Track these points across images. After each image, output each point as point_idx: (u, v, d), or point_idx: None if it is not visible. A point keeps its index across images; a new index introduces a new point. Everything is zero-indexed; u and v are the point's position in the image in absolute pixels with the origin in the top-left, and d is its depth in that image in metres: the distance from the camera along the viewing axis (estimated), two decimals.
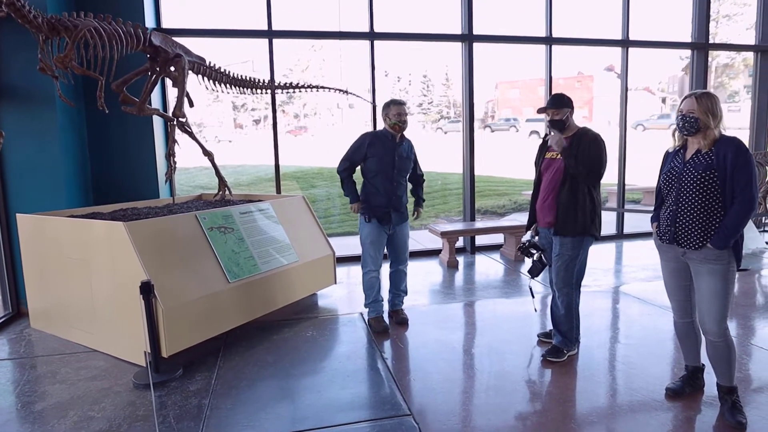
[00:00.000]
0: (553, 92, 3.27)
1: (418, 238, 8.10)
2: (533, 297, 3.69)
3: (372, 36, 6.02)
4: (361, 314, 4.22)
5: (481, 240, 6.65)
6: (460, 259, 6.09)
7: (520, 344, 3.55)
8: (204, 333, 3.34)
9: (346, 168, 3.83)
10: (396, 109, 3.73)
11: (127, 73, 4.26)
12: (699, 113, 2.37)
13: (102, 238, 3.26)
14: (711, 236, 2.41)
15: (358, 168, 3.89)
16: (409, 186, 4.05)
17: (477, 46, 6.35)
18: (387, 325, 3.88)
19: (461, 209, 6.94)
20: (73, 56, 3.60)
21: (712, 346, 2.51)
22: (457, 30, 6.31)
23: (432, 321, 4.07)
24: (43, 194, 4.32)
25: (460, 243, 6.43)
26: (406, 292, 4.15)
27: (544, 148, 3.31)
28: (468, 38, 6.27)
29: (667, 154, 2.65)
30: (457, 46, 6.42)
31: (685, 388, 2.76)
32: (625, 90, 7.03)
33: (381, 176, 3.73)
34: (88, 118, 4.88)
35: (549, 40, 6.59)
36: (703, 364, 2.81)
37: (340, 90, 5.86)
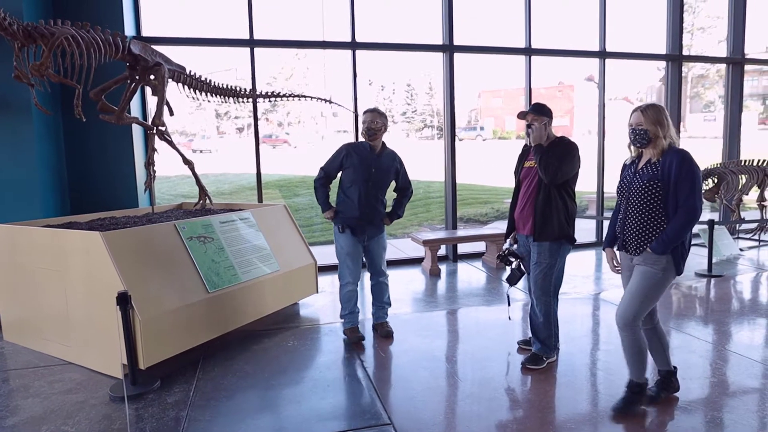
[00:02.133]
0: (534, 101, 3.33)
1: (401, 246, 8.12)
2: (509, 305, 3.74)
3: (354, 45, 6.05)
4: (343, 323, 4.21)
5: (463, 248, 6.69)
6: (443, 267, 6.12)
7: (501, 352, 3.57)
8: (183, 344, 3.29)
9: (320, 178, 3.79)
10: (366, 117, 3.65)
11: (106, 82, 4.22)
12: (647, 125, 2.48)
13: (78, 248, 3.20)
14: (651, 242, 2.51)
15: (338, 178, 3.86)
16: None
17: (458, 57, 6.44)
18: (362, 336, 3.82)
19: (444, 217, 6.98)
20: (49, 64, 3.55)
21: (620, 338, 2.65)
22: (439, 41, 6.39)
23: (414, 329, 4.08)
24: (18, 204, 4.24)
25: (442, 251, 6.46)
26: (389, 304, 4.04)
27: (523, 157, 3.36)
28: (449, 48, 6.35)
29: (624, 166, 2.74)
30: (439, 56, 6.50)
31: (660, 393, 2.80)
32: (602, 100, 7.17)
33: (355, 187, 3.64)
34: (65, 127, 4.81)
35: (528, 51, 6.70)
36: (675, 367, 2.86)
37: (322, 99, 5.88)
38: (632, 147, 2.64)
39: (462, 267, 6.23)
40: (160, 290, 3.21)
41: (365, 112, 3.67)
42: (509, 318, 4.16)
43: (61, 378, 3.24)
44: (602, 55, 6.99)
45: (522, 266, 3.27)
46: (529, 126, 3.15)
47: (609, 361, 3.36)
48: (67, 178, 4.86)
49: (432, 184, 15.23)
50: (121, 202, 4.97)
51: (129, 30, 5.08)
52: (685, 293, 4.98)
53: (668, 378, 2.84)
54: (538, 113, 3.12)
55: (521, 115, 3.24)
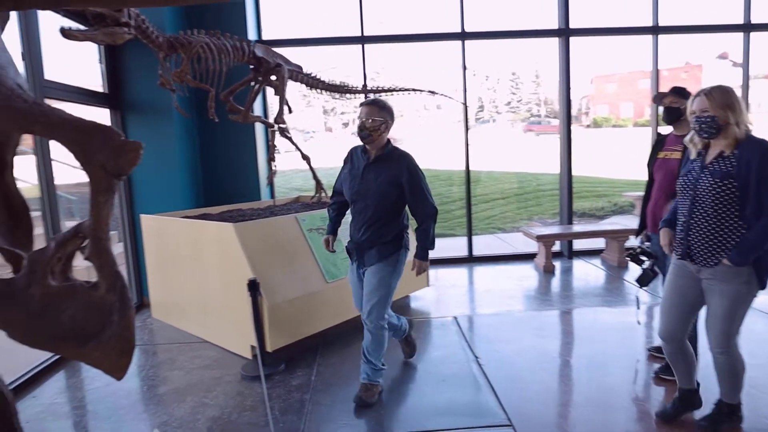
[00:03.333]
0: (660, 84, 3.02)
1: (510, 241, 7.88)
2: (638, 308, 3.44)
3: (463, 36, 5.94)
4: (455, 318, 4.18)
5: (579, 244, 6.31)
6: (557, 264, 5.83)
7: (626, 358, 3.32)
8: (304, 330, 3.48)
9: (332, 196, 3.06)
10: (360, 112, 2.73)
11: (233, 84, 4.56)
12: (714, 110, 2.11)
13: (213, 237, 3.51)
14: (727, 252, 2.14)
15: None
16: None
17: (573, 41, 6.06)
18: (378, 389, 2.89)
19: (556, 211, 6.64)
20: (188, 71, 3.91)
21: (714, 359, 2.34)
22: (553, 25, 6.05)
23: (528, 328, 3.93)
24: (162, 197, 4.74)
25: (556, 247, 6.16)
26: (379, 360, 2.88)
27: (657, 147, 3.07)
28: (564, 33, 5.99)
29: (687, 160, 2.36)
30: (552, 42, 6.16)
31: (679, 412, 2.53)
32: (746, 79, 6.34)
33: (353, 204, 2.83)
34: (199, 127, 5.29)
35: (655, 30, 6.11)
36: (698, 383, 2.57)
37: (430, 91, 5.86)
38: (695, 140, 2.26)
39: (578, 264, 5.89)
40: (284, 279, 3.41)
41: (361, 105, 2.78)
42: (638, 322, 3.85)
43: (200, 354, 3.58)
44: (747, 28, 6.16)
45: (656, 267, 3.00)
46: (669, 109, 2.88)
47: (757, 376, 2.98)
48: (201, 173, 5.34)
49: (541, 176, 14.60)
50: (245, 195, 5.36)
51: (251, 34, 5.44)
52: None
53: (690, 396, 2.56)
54: (679, 96, 2.84)
55: (657, 99, 2.96)
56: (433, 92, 5.87)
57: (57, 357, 3.48)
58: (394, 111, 2.76)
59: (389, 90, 5.58)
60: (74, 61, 4.74)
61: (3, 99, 1.11)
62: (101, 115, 4.61)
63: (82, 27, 3.29)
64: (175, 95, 4.10)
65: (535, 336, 3.76)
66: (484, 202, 12.02)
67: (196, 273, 3.71)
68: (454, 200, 12.68)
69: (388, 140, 2.78)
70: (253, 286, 3.06)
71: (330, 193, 3.43)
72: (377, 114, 2.67)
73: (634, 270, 5.36)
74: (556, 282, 5.28)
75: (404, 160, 2.74)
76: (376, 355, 2.86)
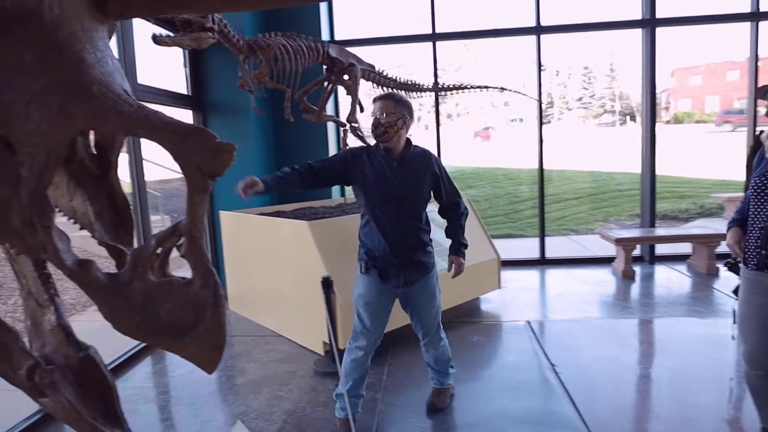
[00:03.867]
0: (758, 77, 2.71)
1: (584, 243, 7.54)
2: (734, 321, 3.14)
3: (539, 30, 5.73)
4: (528, 323, 4.04)
5: (661, 249, 5.92)
6: (637, 269, 5.49)
7: (719, 374, 3.06)
8: None
9: (309, 163, 2.51)
10: (375, 107, 2.45)
11: (307, 84, 4.65)
12: None
13: (289, 235, 3.60)
14: None
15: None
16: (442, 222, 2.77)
17: (659, 31, 5.67)
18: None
19: (633, 213, 6.28)
20: (266, 72, 4.03)
21: (749, 382, 2.08)
22: (635, 15, 5.70)
23: (606, 337, 3.73)
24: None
25: (636, 251, 5.81)
26: (452, 367, 2.87)
27: (758, 146, 2.79)
28: (650, 23, 5.63)
29: (761, 158, 2.07)
30: (634, 33, 5.81)
31: None
32: None
33: (376, 211, 2.45)
34: (274, 127, 5.45)
35: (756, 16, 5.59)
36: None
37: (501, 88, 5.71)
38: None
39: (660, 270, 5.52)
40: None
41: (375, 100, 2.49)
42: (732, 337, 3.53)
43: (274, 348, 3.69)
44: None
45: None
46: None
47: None
48: (275, 171, 5.51)
49: (615, 175, 13.88)
50: (317, 192, 5.46)
51: (325, 35, 5.53)
52: None
53: None
54: None
55: (762, 93, 2.69)
56: (504, 89, 5.71)
57: (144, 344, 3.72)
58: (412, 106, 2.51)
59: (460, 87, 5.48)
60: (162, 66, 5.04)
61: (111, 104, 1.16)
62: (185, 116, 4.87)
63: (171, 33, 3.48)
64: (253, 96, 4.24)
65: (614, 345, 3.56)
66: (556, 202, 11.59)
67: (271, 268, 3.83)
68: (523, 200, 12.33)
69: (409, 140, 2.54)
70: (327, 284, 3.10)
71: None
72: (393, 108, 2.40)
73: (728, 279, 4.94)
74: (636, 288, 4.98)
75: (430, 155, 2.56)
76: (445, 366, 2.79)
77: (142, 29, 3.89)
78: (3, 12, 1.08)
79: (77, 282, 1.17)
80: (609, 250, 5.93)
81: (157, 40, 3.34)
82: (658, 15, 5.60)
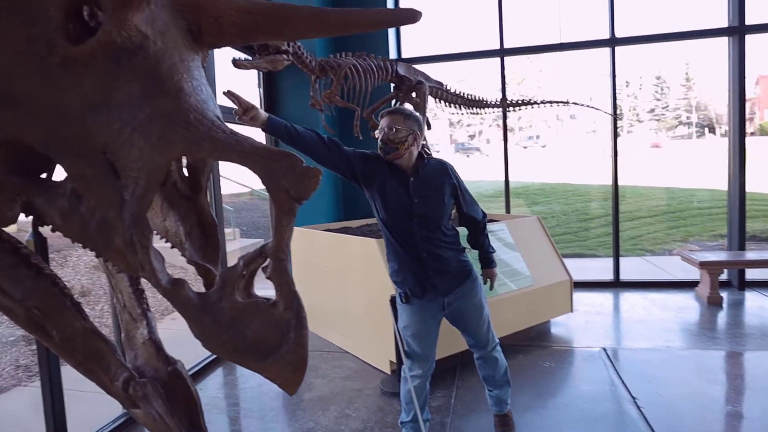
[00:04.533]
0: None
1: (661, 264, 7.08)
2: None
3: (613, 42, 5.51)
4: (604, 350, 3.82)
5: (752, 273, 5.44)
6: (724, 296, 5.07)
7: None
8: (442, 350, 3.41)
9: (333, 140, 2.33)
10: (383, 122, 2.33)
11: (375, 102, 4.71)
12: None
13: (357, 252, 3.63)
14: None
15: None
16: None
17: (749, 38, 5.29)
18: None
19: (716, 233, 5.82)
20: (337, 92, 4.13)
21: None
22: (722, 23, 5.36)
23: (693, 370, 3.45)
24: (308, 210, 5.06)
25: (723, 275, 5.37)
26: (509, 383, 2.69)
27: None
28: (739, 30, 5.26)
29: None
30: (720, 42, 5.46)
31: None
32: None
33: (398, 231, 2.35)
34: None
35: None
36: None
37: (574, 103, 5.53)
38: None
39: (752, 297, 5.07)
40: None
41: (383, 116, 2.38)
42: None
43: (341, 365, 3.71)
44: None
45: None
46: None
47: None
48: (341, 188, 5.60)
49: (695, 191, 13.00)
50: None
51: (392, 53, 5.60)
52: None
53: None
54: None
55: None
56: (576, 103, 5.53)
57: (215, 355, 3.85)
58: (422, 121, 2.40)
59: (530, 103, 5.37)
60: (237, 86, 5.30)
61: (206, 130, 1.20)
62: (257, 134, 5.07)
63: (249, 57, 3.64)
64: (323, 114, 4.35)
65: (701, 379, 3.28)
66: (630, 220, 11.00)
67: (339, 285, 3.87)
68: (592, 217, 11.80)
69: (422, 153, 2.39)
70: (395, 303, 3.08)
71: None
72: (401, 123, 2.26)
73: None
74: (723, 317, 4.60)
75: (446, 165, 2.45)
76: (502, 380, 2.63)
77: (220, 52, 4.11)
78: (115, 47, 1.15)
79: (171, 300, 1.22)
80: (691, 273, 5.52)
81: (236, 63, 3.51)
82: (748, 22, 5.23)
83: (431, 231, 2.33)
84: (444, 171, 2.42)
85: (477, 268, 2.57)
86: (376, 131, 2.36)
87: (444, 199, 2.37)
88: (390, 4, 5.66)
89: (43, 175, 1.32)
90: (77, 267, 6.06)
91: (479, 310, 2.46)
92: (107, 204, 1.14)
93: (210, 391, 3.41)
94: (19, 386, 3.88)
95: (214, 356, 3.84)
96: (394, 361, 3.23)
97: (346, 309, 3.83)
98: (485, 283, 2.60)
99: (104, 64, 1.15)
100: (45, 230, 1.35)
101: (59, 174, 1.26)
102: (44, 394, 2.35)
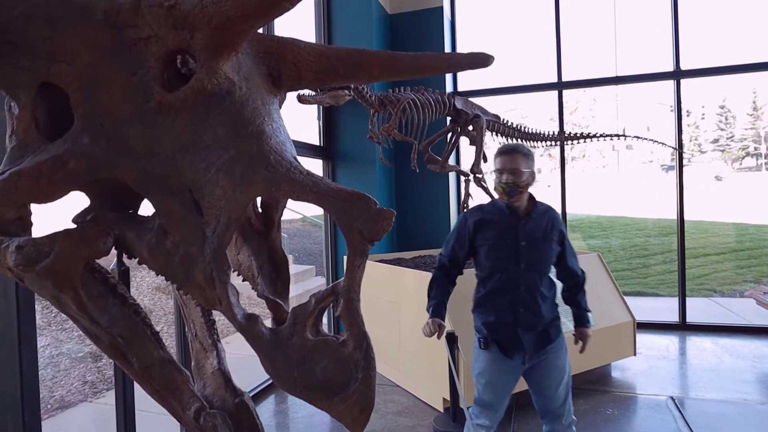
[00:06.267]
0: None
1: (732, 308, 6.63)
2: None
3: (678, 75, 5.35)
4: (672, 398, 3.58)
5: None
6: None
7: None
8: None
9: (441, 266, 2.46)
10: (502, 163, 2.22)
11: (431, 135, 4.75)
12: None
13: (413, 285, 3.61)
14: None
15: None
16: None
17: None
18: None
19: None
20: (395, 125, 4.20)
21: None
22: None
23: None
24: None
25: None
26: None
27: None
28: None
29: None
30: None
31: None
32: None
33: (499, 275, 2.25)
34: (396, 176, 5.62)
35: None
36: None
37: (635, 137, 5.37)
38: None
39: None
40: None
41: (498, 155, 2.27)
42: None
43: (392, 399, 3.66)
44: None
45: None
46: None
47: None
48: (396, 219, 5.64)
49: (765, 228, 12.21)
50: (436, 241, 5.47)
51: (449, 86, 5.66)
52: None
53: None
54: None
55: None
56: (638, 137, 5.37)
57: (269, 382, 3.89)
58: (534, 159, 2.28)
59: (588, 136, 5.26)
60: (297, 118, 5.49)
61: (285, 171, 1.25)
62: (316, 165, 5.21)
63: (312, 92, 3.78)
64: (380, 147, 4.43)
65: None
66: (693, 257, 10.41)
67: (393, 317, 3.85)
68: (652, 254, 11.26)
69: (531, 194, 2.33)
70: (452, 339, 3.04)
71: None
72: (524, 165, 2.18)
73: None
74: None
75: (554, 213, 2.35)
76: None
77: None
78: (206, 93, 1.23)
79: (245, 335, 1.25)
80: (767, 317, 5.14)
81: (301, 99, 3.65)
82: None
83: (536, 279, 2.23)
84: (553, 216, 2.33)
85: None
86: (493, 169, 2.30)
87: (552, 245, 2.27)
88: (447, 44, 5.74)
89: (131, 211, 1.41)
90: (140, 287, 6.35)
91: (561, 374, 2.26)
92: (191, 239, 1.20)
93: (263, 418, 3.41)
94: (85, 401, 4.06)
95: (267, 383, 3.89)
96: (448, 398, 3.16)
97: (399, 342, 3.80)
98: (576, 343, 2.37)
99: (195, 108, 1.23)
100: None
101: (144, 209, 1.34)
102: (117, 413, 2.45)
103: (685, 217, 5.44)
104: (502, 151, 2.25)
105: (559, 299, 2.36)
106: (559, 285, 2.41)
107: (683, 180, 5.46)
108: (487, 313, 2.28)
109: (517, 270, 2.20)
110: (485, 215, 2.30)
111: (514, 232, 2.22)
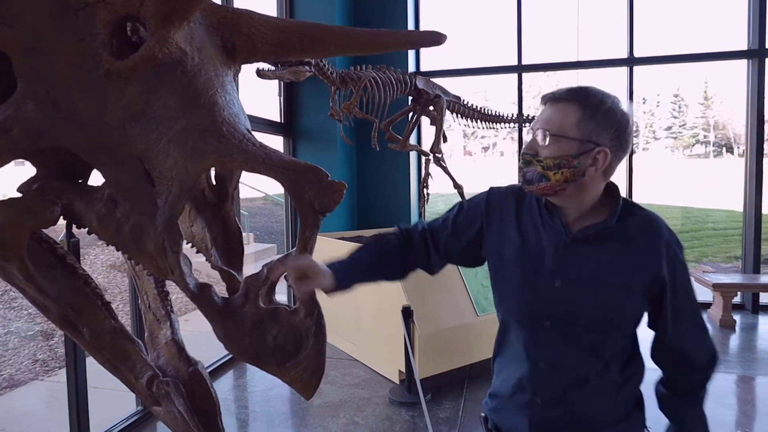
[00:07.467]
0: None
1: None
2: None
3: (631, 62, 5.53)
4: None
5: (766, 297, 5.39)
6: (737, 319, 5.02)
7: None
8: (452, 362, 3.45)
9: (410, 227, 1.51)
10: (535, 121, 1.20)
11: (393, 114, 4.78)
12: None
13: None
14: None
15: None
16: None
17: None
18: None
19: (730, 254, 5.77)
20: (356, 103, 4.20)
21: None
22: (742, 46, 5.37)
23: None
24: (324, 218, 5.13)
25: (736, 298, 5.33)
26: None
27: None
28: (758, 54, 5.25)
29: None
30: (740, 62, 5.46)
31: None
32: None
33: (516, 331, 1.27)
34: (357, 154, 5.63)
35: None
36: None
37: None
38: None
39: (766, 321, 5.02)
40: (436, 308, 3.43)
41: (544, 101, 1.20)
42: None
43: (350, 372, 3.74)
44: None
45: None
46: None
47: None
48: (356, 197, 5.67)
49: (710, 212, 12.90)
50: (396, 219, 5.54)
51: (411, 66, 5.67)
52: None
53: None
54: None
55: None
56: None
57: (228, 357, 3.90)
58: (620, 122, 1.11)
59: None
60: (256, 94, 5.40)
61: (237, 143, 1.26)
62: (276, 142, 5.16)
63: (272, 67, 3.73)
64: (341, 125, 4.43)
65: (711, 402, 3.24)
66: None
67: (351, 294, 3.91)
68: None
69: (613, 188, 1.18)
70: (407, 314, 3.13)
71: None
72: (569, 121, 1.09)
73: None
74: (735, 340, 4.56)
75: (659, 234, 1.16)
76: None
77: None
78: (156, 62, 1.22)
79: (197, 303, 1.28)
80: (704, 294, 5.48)
81: (260, 73, 3.60)
82: None
83: (575, 354, 1.17)
84: (649, 238, 1.18)
85: None
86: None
87: (627, 290, 1.16)
88: (411, 23, 5.73)
89: (80, 180, 1.39)
90: (94, 265, 6.17)
91: None
92: (141, 209, 1.20)
93: (220, 392, 3.44)
94: (36, 380, 3.97)
95: (226, 358, 3.90)
96: (403, 370, 3.26)
97: (356, 318, 3.87)
98: None
99: (145, 77, 1.21)
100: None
101: (95, 180, 1.32)
102: (69, 389, 2.42)
103: (638, 200, 5.69)
104: (542, 98, 1.19)
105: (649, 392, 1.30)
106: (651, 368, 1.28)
107: (632, 164, 5.71)
108: (497, 376, 1.36)
109: (537, 329, 1.18)
110: (514, 202, 1.27)
111: (546, 258, 1.16)
